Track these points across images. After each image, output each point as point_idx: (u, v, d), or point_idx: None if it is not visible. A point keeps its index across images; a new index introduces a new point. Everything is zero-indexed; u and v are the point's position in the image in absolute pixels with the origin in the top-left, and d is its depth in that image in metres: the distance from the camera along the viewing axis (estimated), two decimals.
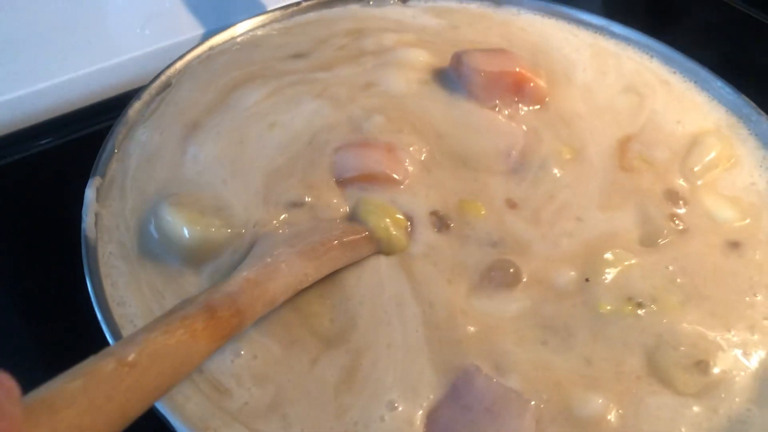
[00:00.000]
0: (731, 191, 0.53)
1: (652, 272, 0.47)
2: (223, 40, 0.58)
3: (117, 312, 0.42)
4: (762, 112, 0.56)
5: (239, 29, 0.59)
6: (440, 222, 0.49)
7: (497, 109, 0.55)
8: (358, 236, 0.46)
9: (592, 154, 0.55)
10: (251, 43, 0.60)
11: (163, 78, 0.54)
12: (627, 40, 0.62)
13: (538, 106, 0.56)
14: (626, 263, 0.48)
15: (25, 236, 0.58)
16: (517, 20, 0.64)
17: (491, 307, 0.45)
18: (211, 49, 0.57)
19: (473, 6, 0.65)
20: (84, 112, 0.68)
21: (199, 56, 0.57)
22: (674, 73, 0.60)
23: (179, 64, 0.55)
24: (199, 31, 0.73)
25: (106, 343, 0.40)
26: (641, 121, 0.58)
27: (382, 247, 0.47)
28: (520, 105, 0.56)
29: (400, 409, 0.40)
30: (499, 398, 0.40)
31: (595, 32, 0.62)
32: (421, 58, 0.59)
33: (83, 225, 0.45)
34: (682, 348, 0.44)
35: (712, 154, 0.55)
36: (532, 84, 0.55)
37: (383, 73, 0.57)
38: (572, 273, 0.47)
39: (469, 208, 0.50)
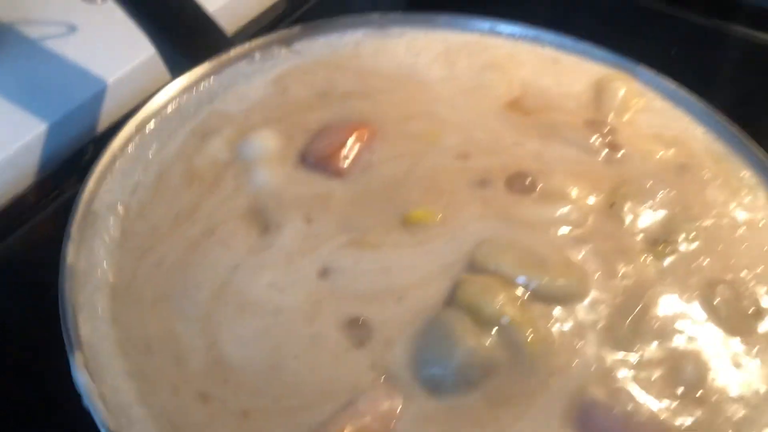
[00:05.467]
0: (651, 129, 0.53)
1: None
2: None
3: None
4: (639, 63, 0.58)
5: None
6: None
7: None
8: None
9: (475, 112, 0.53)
10: None
11: None
12: (516, 36, 0.61)
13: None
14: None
15: None
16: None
17: None
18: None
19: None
20: None
21: None
22: (569, 54, 0.60)
23: None
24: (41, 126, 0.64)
25: None
26: (516, 90, 0.55)
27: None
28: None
29: None
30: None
31: (482, 35, 0.61)
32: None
33: None
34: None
35: (623, 91, 0.55)
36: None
37: None
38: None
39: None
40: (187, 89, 0.53)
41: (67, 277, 0.40)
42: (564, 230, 0.45)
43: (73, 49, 0.70)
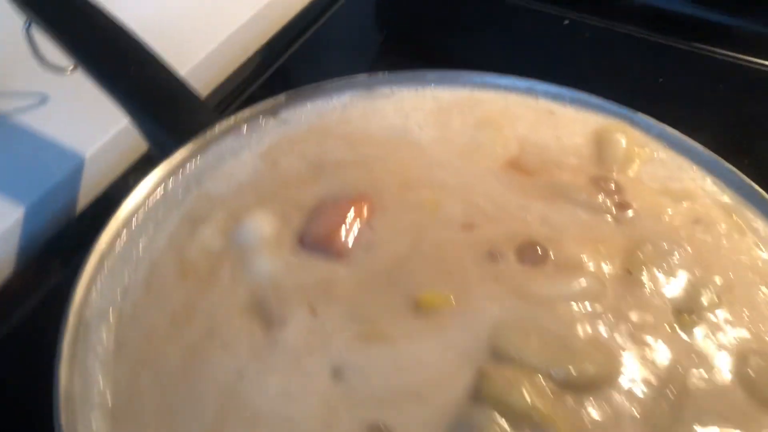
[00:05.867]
0: (658, 183, 0.51)
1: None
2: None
3: None
4: (636, 111, 0.56)
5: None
6: None
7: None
8: None
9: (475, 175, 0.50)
10: None
11: None
12: (508, 89, 0.59)
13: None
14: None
15: None
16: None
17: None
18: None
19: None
20: None
21: None
22: (564, 106, 0.58)
23: None
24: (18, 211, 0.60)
25: None
26: (514, 148, 0.53)
27: None
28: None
29: None
30: None
31: (473, 90, 0.59)
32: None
33: None
34: None
35: (624, 143, 0.52)
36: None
37: None
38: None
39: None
40: (173, 172, 0.50)
41: (62, 405, 0.37)
42: (584, 305, 0.42)
43: (46, 123, 0.67)
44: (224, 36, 0.78)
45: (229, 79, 0.78)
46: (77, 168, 0.64)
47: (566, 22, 0.84)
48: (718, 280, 0.44)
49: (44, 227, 0.61)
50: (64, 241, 0.62)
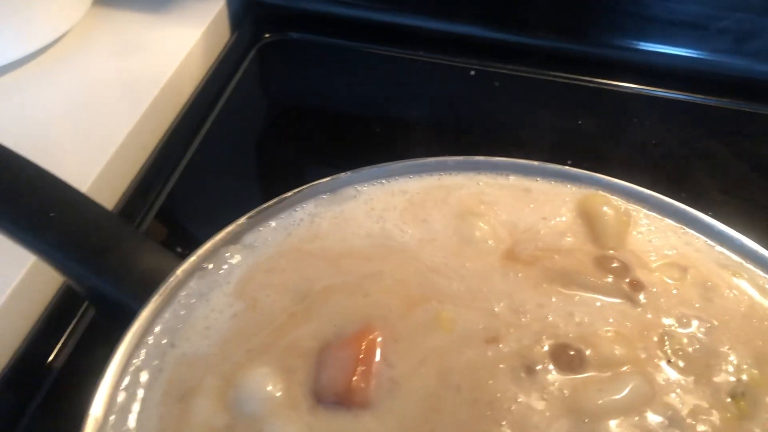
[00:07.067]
0: (656, 253, 0.48)
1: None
2: None
3: None
4: (610, 177, 0.54)
5: None
6: None
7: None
8: None
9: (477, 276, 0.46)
10: None
11: None
12: (476, 170, 0.55)
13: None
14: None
15: None
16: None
17: None
18: None
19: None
20: None
21: None
22: (536, 180, 0.55)
23: None
24: None
25: None
26: (505, 237, 0.49)
27: None
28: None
29: None
30: None
31: (441, 176, 0.54)
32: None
33: None
34: None
35: (611, 215, 0.50)
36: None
37: None
38: None
39: None
40: (140, 343, 0.41)
41: None
42: (642, 409, 0.39)
43: None
44: (115, 146, 0.68)
45: (129, 190, 0.68)
46: None
47: (472, 72, 0.82)
48: (756, 353, 0.43)
49: None
50: None
